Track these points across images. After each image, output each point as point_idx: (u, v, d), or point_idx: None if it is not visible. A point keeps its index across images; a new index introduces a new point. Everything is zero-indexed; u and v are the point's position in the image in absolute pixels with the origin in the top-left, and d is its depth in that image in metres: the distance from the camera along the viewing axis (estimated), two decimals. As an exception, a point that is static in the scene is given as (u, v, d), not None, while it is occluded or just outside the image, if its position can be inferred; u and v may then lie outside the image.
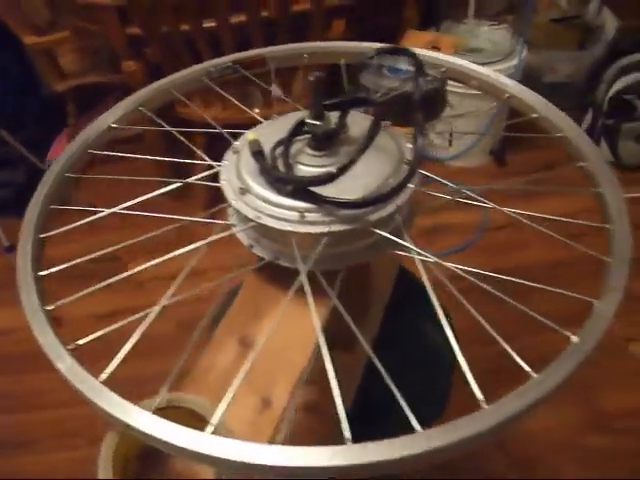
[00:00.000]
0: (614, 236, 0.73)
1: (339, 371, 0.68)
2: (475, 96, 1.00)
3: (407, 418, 0.55)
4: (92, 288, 0.72)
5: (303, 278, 0.70)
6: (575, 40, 3.22)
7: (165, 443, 0.54)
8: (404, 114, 0.84)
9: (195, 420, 0.66)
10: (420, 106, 0.83)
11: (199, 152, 0.95)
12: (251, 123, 0.92)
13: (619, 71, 3.04)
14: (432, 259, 0.73)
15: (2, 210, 2.51)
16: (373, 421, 1.01)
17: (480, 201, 0.83)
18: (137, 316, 0.67)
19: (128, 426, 0.56)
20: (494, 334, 0.65)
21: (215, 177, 0.84)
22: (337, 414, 0.56)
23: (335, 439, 0.53)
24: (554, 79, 3.24)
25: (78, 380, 0.60)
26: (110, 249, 0.79)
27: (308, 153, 0.80)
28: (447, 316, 1.13)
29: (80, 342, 0.65)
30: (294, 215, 0.73)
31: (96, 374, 0.61)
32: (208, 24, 2.28)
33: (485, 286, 0.70)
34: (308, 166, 0.78)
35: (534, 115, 0.93)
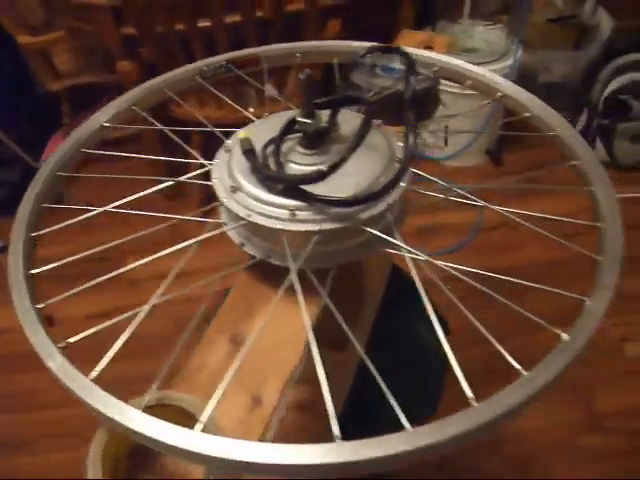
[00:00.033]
0: (605, 234, 0.73)
1: (331, 369, 0.68)
2: (470, 96, 0.99)
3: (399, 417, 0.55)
4: (82, 287, 0.71)
5: (293, 276, 0.70)
6: (570, 40, 3.23)
7: (154, 441, 0.54)
8: (396, 113, 0.84)
9: (185, 418, 0.66)
10: (412, 105, 0.83)
11: (192, 151, 0.95)
12: (246, 122, 0.92)
13: (614, 71, 3.05)
14: (423, 257, 0.73)
15: (-4, 210, 2.52)
16: (366, 420, 1.01)
17: (471, 200, 0.83)
18: (127, 315, 0.67)
19: (117, 424, 0.56)
20: (486, 333, 0.64)
21: (208, 176, 0.84)
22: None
23: (328, 437, 0.53)
24: (550, 79, 3.25)
25: (68, 378, 0.60)
26: (98, 249, 0.78)
27: (299, 151, 0.80)
28: (440, 316, 1.13)
29: (71, 340, 0.65)
30: (285, 213, 0.73)
31: (89, 373, 0.61)
32: (203, 24, 2.28)
33: (478, 285, 0.70)
34: (299, 164, 0.78)
35: (526, 114, 0.93)
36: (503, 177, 3.06)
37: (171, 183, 0.89)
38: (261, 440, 0.71)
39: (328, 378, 0.59)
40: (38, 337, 0.65)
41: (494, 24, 3.08)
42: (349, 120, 0.81)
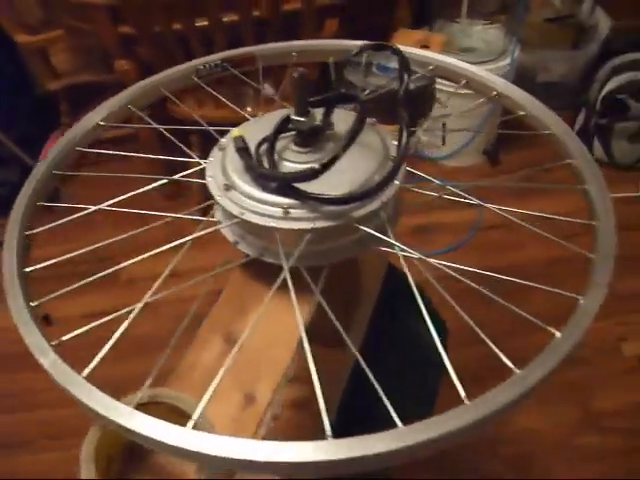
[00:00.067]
0: (599, 232, 0.73)
1: (326, 367, 0.68)
2: (466, 95, 0.99)
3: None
4: (75, 285, 0.71)
5: (286, 274, 0.70)
6: (569, 40, 3.23)
7: (145, 437, 0.54)
8: (391, 112, 0.84)
9: (177, 416, 0.66)
10: (407, 104, 0.83)
11: (186, 149, 0.95)
12: (243, 122, 0.92)
13: (612, 71, 3.05)
14: (416, 255, 0.73)
15: (-5, 209, 2.51)
16: (370, 419, 1.01)
17: (466, 198, 0.83)
18: (119, 313, 0.67)
19: (109, 421, 0.56)
20: (478, 331, 0.64)
21: (203, 174, 0.84)
22: (326, 410, 0.56)
23: (324, 435, 0.53)
24: (548, 78, 3.25)
25: (61, 375, 0.60)
26: (91, 247, 0.78)
27: (293, 150, 0.80)
28: (438, 315, 1.13)
29: (64, 338, 0.65)
30: (278, 211, 0.73)
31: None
32: (200, 23, 2.28)
33: (474, 284, 0.70)
34: (293, 162, 0.78)
35: (521, 113, 0.93)
36: (500, 177, 3.06)
37: (165, 181, 0.89)
38: (253, 438, 0.71)
39: (323, 376, 0.59)
40: (31, 335, 0.65)
41: (492, 23, 3.08)
42: (343, 119, 0.81)
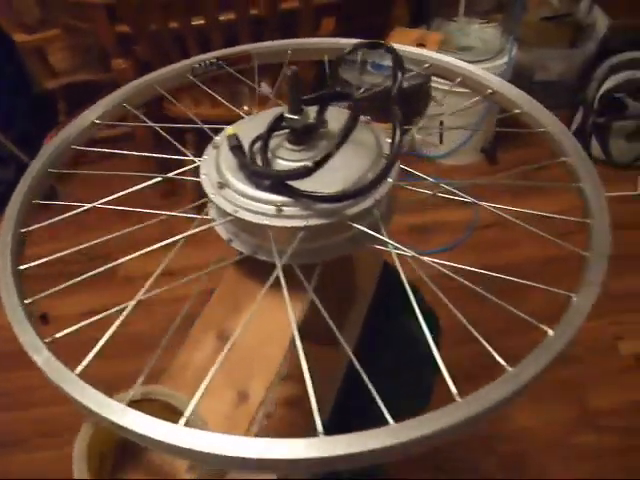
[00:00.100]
0: (593, 231, 0.73)
1: (321, 365, 0.68)
2: (462, 93, 0.99)
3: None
4: (67, 283, 0.71)
5: (279, 272, 0.70)
6: (566, 38, 3.23)
7: (136, 434, 0.54)
8: (385, 110, 0.84)
9: (171, 413, 0.66)
10: (402, 102, 0.83)
11: (181, 147, 0.95)
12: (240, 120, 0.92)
13: (610, 69, 3.05)
14: (409, 253, 0.73)
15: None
16: (361, 420, 1.01)
17: (459, 196, 0.83)
18: (113, 310, 0.67)
19: (101, 417, 0.56)
20: (471, 329, 0.65)
21: (198, 172, 0.84)
22: (319, 407, 0.56)
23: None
24: (545, 77, 3.25)
25: (54, 372, 0.60)
26: (84, 245, 0.79)
27: (287, 148, 0.80)
28: (432, 313, 1.13)
29: (57, 335, 0.65)
30: (271, 209, 0.73)
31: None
32: (197, 22, 2.28)
33: (468, 283, 0.70)
34: (287, 160, 0.78)
35: (516, 111, 0.93)
36: (496, 175, 3.06)
37: (160, 179, 0.89)
38: (246, 435, 0.71)
39: (316, 374, 0.59)
40: (25, 332, 0.65)
41: (489, 22, 3.08)
42: (337, 116, 0.81)
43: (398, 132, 0.77)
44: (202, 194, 0.81)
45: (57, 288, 0.71)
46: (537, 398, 2.06)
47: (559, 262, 1.89)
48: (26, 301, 0.69)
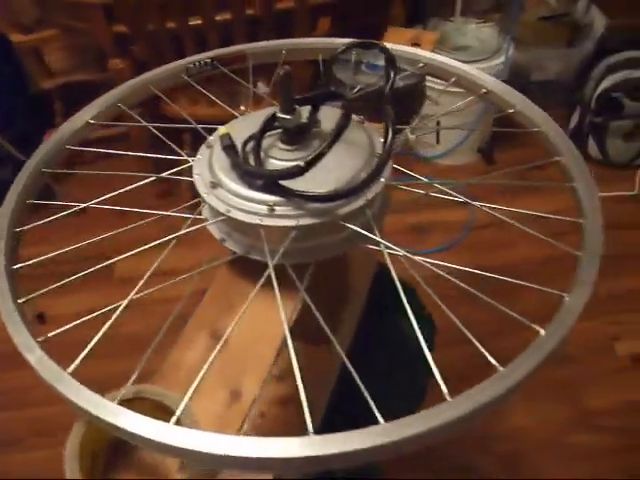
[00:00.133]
0: (586, 230, 0.73)
1: (315, 364, 0.68)
2: (457, 93, 0.99)
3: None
4: (60, 282, 0.71)
5: (271, 272, 0.71)
6: (564, 38, 3.24)
7: (125, 432, 0.55)
8: (379, 110, 0.84)
9: (162, 412, 0.66)
10: (397, 101, 0.83)
11: (175, 147, 0.95)
12: (236, 120, 0.92)
13: (607, 69, 3.05)
14: (401, 252, 0.73)
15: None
16: (356, 420, 1.01)
17: (452, 196, 0.83)
18: (102, 311, 0.67)
19: (92, 415, 0.56)
20: (463, 329, 0.65)
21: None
22: (313, 407, 0.56)
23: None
24: (542, 77, 3.25)
25: (46, 371, 0.61)
26: (78, 245, 0.79)
27: (280, 147, 0.80)
28: (427, 314, 1.13)
29: (50, 334, 0.65)
30: (263, 209, 0.73)
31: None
32: (194, 22, 2.29)
33: (461, 283, 0.70)
34: (280, 160, 0.78)
35: (510, 110, 0.93)
36: (490, 175, 3.06)
37: (154, 179, 0.89)
38: (238, 434, 0.71)
39: (310, 373, 0.59)
40: (18, 331, 0.65)
41: (486, 22, 3.09)
42: (330, 116, 0.81)
43: (390, 132, 0.77)
44: (196, 194, 0.81)
45: (49, 288, 0.71)
46: (533, 398, 2.06)
47: (555, 262, 1.89)
48: (20, 300, 0.69)
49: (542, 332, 0.61)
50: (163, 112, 2.49)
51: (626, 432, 2.13)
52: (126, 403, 0.57)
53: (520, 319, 0.64)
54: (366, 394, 0.57)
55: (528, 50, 3.14)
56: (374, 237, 0.75)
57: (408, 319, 0.66)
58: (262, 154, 0.79)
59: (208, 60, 1.07)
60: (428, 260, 0.72)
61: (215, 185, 0.78)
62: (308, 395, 0.57)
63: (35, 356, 0.62)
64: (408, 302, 0.68)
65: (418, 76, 1.06)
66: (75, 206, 0.84)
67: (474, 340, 0.62)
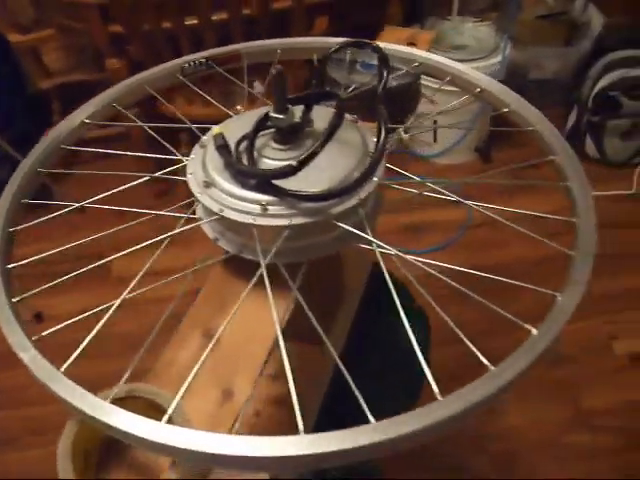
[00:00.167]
0: (579, 230, 0.73)
1: (309, 364, 0.68)
2: (453, 92, 0.99)
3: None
4: (54, 282, 0.72)
5: (263, 271, 0.71)
6: (561, 37, 3.24)
7: (116, 430, 0.55)
8: (373, 109, 0.84)
9: (155, 411, 0.66)
10: (387, 100, 0.83)
11: (169, 146, 0.95)
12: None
13: (604, 68, 3.05)
14: (392, 252, 0.73)
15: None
16: (353, 420, 1.01)
17: (445, 195, 0.83)
18: (95, 311, 0.67)
19: (84, 414, 0.56)
20: (455, 329, 0.65)
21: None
22: (306, 407, 0.56)
23: (306, 430, 0.53)
24: (540, 76, 3.25)
25: (39, 370, 0.61)
26: (73, 244, 0.79)
27: (273, 147, 0.80)
28: (421, 312, 1.13)
29: (44, 333, 0.65)
30: (256, 208, 0.73)
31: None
32: (190, 22, 2.29)
33: (451, 282, 0.70)
34: (273, 160, 0.79)
35: (505, 109, 0.93)
36: (485, 174, 3.06)
37: (148, 178, 0.89)
38: (229, 433, 0.71)
39: (304, 372, 0.59)
40: (12, 330, 0.65)
41: (483, 21, 3.09)
42: (323, 116, 0.81)
43: (383, 131, 0.77)
44: (190, 193, 0.82)
45: (41, 288, 0.71)
46: (530, 398, 2.07)
47: (549, 261, 1.90)
48: (14, 300, 0.69)
49: (534, 331, 0.61)
50: (162, 112, 2.49)
51: (624, 431, 2.13)
52: (118, 402, 0.57)
53: (512, 319, 0.64)
54: (358, 395, 0.57)
55: (525, 49, 3.14)
56: (366, 236, 0.75)
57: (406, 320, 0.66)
58: (255, 154, 0.79)
59: (203, 60, 1.07)
60: (419, 259, 0.72)
61: (208, 184, 0.78)
62: (301, 395, 0.57)
63: (29, 355, 0.62)
64: (402, 301, 0.68)
65: (413, 75, 1.06)
66: (69, 206, 0.84)
67: (465, 339, 0.62)
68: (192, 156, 0.84)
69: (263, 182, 0.74)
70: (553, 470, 2.04)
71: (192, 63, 1.06)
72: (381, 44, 0.91)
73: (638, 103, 3.00)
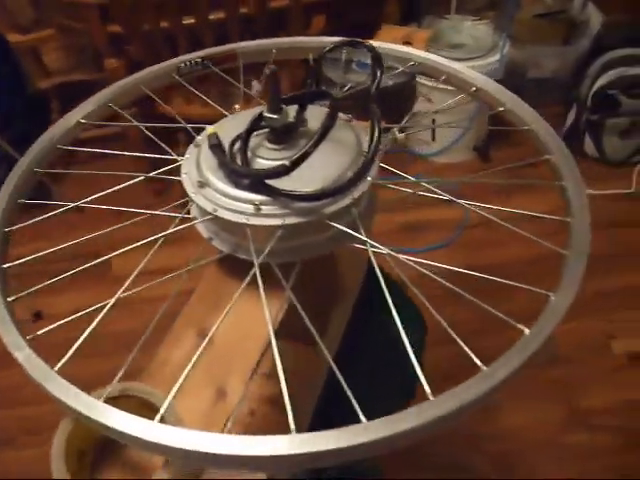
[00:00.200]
0: (573, 229, 0.73)
1: (303, 364, 0.68)
2: (449, 90, 1.00)
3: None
4: (49, 281, 0.72)
5: (256, 271, 0.71)
6: (560, 35, 3.23)
7: (110, 429, 0.55)
8: (367, 108, 0.84)
9: (148, 410, 0.66)
10: (384, 99, 0.83)
11: (164, 146, 0.95)
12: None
13: (603, 66, 3.05)
14: (384, 251, 0.73)
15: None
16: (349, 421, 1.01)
17: (439, 194, 0.83)
18: (89, 310, 0.68)
19: (77, 412, 0.57)
20: (448, 329, 0.65)
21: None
22: (300, 406, 0.56)
23: (299, 431, 0.53)
24: (539, 74, 3.25)
25: (34, 369, 0.61)
26: (70, 243, 0.79)
27: (267, 147, 0.80)
28: (418, 313, 1.13)
29: (38, 332, 0.66)
30: (250, 208, 0.74)
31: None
32: (188, 21, 2.29)
33: (444, 282, 0.70)
34: (267, 159, 0.79)
35: (500, 108, 0.93)
36: (481, 173, 3.05)
37: (142, 178, 0.89)
38: (222, 432, 0.71)
39: (299, 372, 0.59)
40: (7, 330, 0.65)
41: (481, 19, 3.09)
42: (318, 116, 0.81)
43: (377, 130, 0.77)
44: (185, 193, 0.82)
45: (36, 287, 0.71)
46: (529, 397, 2.06)
47: (545, 261, 1.90)
48: (9, 299, 0.69)
49: (527, 331, 0.61)
50: (161, 111, 2.49)
51: (623, 431, 2.13)
52: (112, 401, 0.57)
53: (505, 318, 0.64)
54: (350, 395, 0.57)
55: (524, 48, 3.14)
56: (360, 236, 0.75)
57: (399, 318, 0.66)
58: (249, 153, 0.79)
59: (199, 59, 1.07)
60: (412, 259, 0.72)
61: (202, 184, 0.78)
62: (295, 394, 0.57)
63: (23, 354, 0.62)
64: (398, 301, 0.68)
65: (408, 75, 1.06)
66: (65, 205, 0.85)
67: (458, 340, 0.62)
68: (187, 156, 0.84)
69: (256, 182, 0.74)
70: (552, 469, 2.04)
71: (188, 63, 1.06)
72: (376, 43, 0.91)
73: (637, 101, 3.00)
